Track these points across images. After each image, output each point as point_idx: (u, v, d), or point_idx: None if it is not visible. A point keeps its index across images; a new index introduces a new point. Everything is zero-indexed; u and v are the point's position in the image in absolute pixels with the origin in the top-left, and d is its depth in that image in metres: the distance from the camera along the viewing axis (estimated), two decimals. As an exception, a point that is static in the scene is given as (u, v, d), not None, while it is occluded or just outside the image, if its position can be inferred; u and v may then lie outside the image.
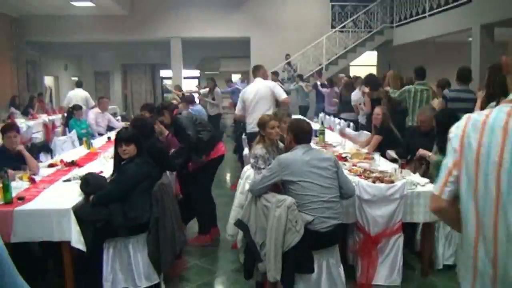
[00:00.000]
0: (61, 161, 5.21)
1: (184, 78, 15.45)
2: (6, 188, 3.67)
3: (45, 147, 6.80)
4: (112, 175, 4.03)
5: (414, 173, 4.57)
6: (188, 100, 9.21)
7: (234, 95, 12.80)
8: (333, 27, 14.76)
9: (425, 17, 12.27)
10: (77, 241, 3.47)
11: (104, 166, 5.06)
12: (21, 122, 10.08)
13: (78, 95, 10.56)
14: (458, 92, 5.75)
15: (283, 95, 6.43)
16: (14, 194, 3.80)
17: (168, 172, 4.21)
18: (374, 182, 4.06)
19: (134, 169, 3.72)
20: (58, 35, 14.78)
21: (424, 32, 12.30)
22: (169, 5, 14.58)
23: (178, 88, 12.89)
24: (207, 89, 12.48)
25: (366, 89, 7.56)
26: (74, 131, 7.74)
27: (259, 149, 4.15)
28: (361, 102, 8.04)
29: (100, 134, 8.77)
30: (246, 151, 5.84)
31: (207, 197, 5.17)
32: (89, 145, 6.36)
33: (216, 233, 5.16)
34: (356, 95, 8.43)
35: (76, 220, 3.51)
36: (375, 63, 15.99)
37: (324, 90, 11.47)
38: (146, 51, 17.91)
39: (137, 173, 3.71)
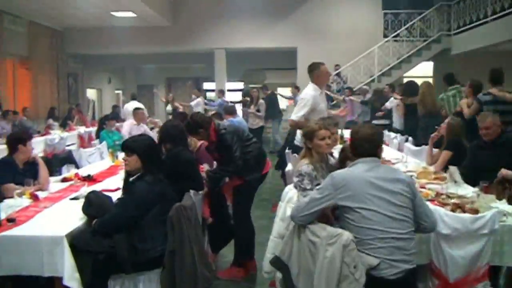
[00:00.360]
0: (76, 175, 4.54)
1: (228, 90, 14.80)
2: (-7, 208, 3.02)
3: (69, 159, 6.20)
4: (122, 193, 3.29)
5: (499, 199, 3.60)
6: (228, 111, 8.50)
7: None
8: (385, 36, 13.80)
9: (487, 22, 11.13)
10: (71, 278, 2.74)
11: (124, 182, 4.34)
12: (55, 133, 9.72)
13: (133, 107, 10.26)
14: (493, 94, 5.50)
15: (292, 115, 5.21)
16: (6, 214, 3.15)
17: (191, 191, 3.46)
18: (453, 210, 3.13)
19: (144, 189, 2.96)
20: (100, 47, 14.61)
21: (486, 39, 11.10)
22: (213, 16, 14.08)
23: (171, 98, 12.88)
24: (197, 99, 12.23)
25: (398, 96, 8.47)
26: (104, 143, 7.14)
27: (304, 166, 3.32)
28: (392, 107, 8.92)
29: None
30: (289, 166, 5.00)
31: (245, 222, 4.32)
32: (114, 158, 5.71)
33: (252, 267, 4.28)
34: (391, 102, 9.00)
35: (72, 250, 2.79)
36: (431, 73, 14.85)
37: (348, 98, 11.28)
38: (190, 63, 17.54)
39: (148, 194, 2.95)
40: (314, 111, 5.09)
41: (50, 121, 11.62)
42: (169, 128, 4.02)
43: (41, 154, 8.97)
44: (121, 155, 6.02)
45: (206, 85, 18.57)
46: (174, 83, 19.53)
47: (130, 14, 12.42)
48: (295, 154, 4.80)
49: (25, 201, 3.59)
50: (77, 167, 6.14)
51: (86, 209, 3.11)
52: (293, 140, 5.59)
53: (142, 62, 17.43)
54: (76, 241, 2.85)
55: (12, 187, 3.71)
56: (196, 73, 18.57)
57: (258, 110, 11.61)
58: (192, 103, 12.57)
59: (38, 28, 13.03)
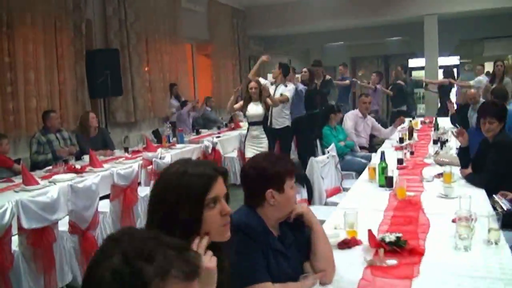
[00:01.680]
0: (352, 239, 2.19)
1: (440, 67, 11.73)
2: None
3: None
4: None
5: None
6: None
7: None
8: None
9: None
10: None
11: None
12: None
13: None
14: None
15: None
16: None
17: None
18: None
19: None
20: (282, 26, 12.67)
21: None
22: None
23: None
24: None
25: None
26: (332, 146, 4.86)
27: None
28: None
29: (362, 148, 5.83)
30: None
31: None
32: (383, 178, 3.30)
33: None
34: None
35: None
36: None
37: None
38: (381, 38, 14.78)
39: None
40: None
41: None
42: None
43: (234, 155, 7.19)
44: (394, 169, 3.55)
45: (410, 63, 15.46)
46: (359, 62, 17.01)
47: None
48: None
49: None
50: (310, 190, 3.97)
51: None
52: None
53: (325, 41, 15.16)
54: None
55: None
56: (385, 50, 15.72)
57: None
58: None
59: (219, 7, 11.38)
